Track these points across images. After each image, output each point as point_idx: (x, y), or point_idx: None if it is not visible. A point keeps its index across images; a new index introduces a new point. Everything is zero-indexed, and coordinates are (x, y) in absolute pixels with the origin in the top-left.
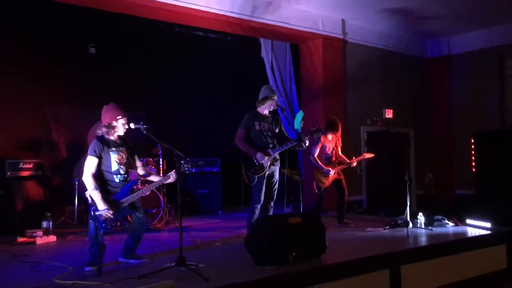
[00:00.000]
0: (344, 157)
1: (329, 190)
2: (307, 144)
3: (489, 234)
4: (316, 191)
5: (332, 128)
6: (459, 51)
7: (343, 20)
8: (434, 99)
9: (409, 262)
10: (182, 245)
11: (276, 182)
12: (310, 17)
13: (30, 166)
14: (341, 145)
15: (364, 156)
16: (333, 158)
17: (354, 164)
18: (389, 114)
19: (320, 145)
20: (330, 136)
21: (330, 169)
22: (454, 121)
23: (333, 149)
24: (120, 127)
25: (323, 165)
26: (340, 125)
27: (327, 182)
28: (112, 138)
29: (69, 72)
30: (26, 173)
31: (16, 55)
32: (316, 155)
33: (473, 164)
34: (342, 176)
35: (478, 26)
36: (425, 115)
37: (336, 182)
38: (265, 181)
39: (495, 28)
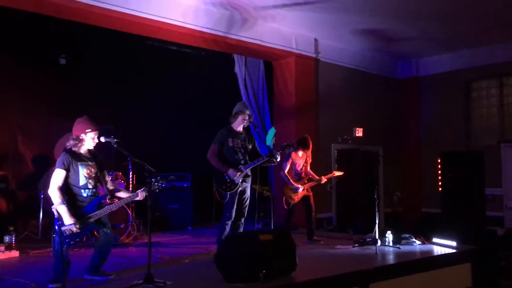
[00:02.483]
0: (313, 174)
1: (299, 207)
2: (278, 160)
3: (454, 252)
4: (285, 206)
5: (302, 145)
6: (428, 73)
7: (316, 39)
8: (404, 119)
9: (378, 280)
10: (150, 262)
11: (247, 199)
12: (283, 35)
13: None
14: (310, 162)
15: (334, 174)
16: (303, 175)
17: (324, 181)
18: (359, 132)
19: (290, 161)
20: (300, 153)
21: (299, 185)
22: (422, 140)
23: (303, 166)
24: (89, 140)
25: (292, 182)
26: (311, 142)
27: (296, 198)
28: (81, 151)
29: (38, 82)
30: None
31: None
32: (286, 171)
33: (440, 183)
34: (311, 193)
35: (446, 49)
36: (394, 134)
37: (305, 198)
38: (236, 197)
39: (462, 51)
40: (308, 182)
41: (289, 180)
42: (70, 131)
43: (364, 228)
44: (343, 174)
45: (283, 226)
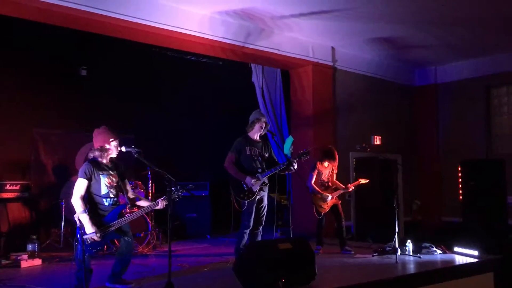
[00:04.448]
0: (339, 183)
1: (327, 217)
2: (295, 167)
3: (476, 262)
4: (317, 216)
5: (328, 157)
6: (447, 80)
7: (333, 48)
8: (422, 127)
9: None
10: (171, 270)
11: (265, 207)
12: (300, 44)
13: (16, 187)
14: (336, 171)
15: (360, 181)
16: (330, 184)
17: (351, 189)
18: (377, 140)
19: (316, 171)
20: (326, 163)
21: (328, 194)
22: (441, 148)
23: (329, 175)
24: (113, 149)
25: (320, 191)
26: (336, 153)
27: (326, 206)
28: (104, 161)
29: (59, 93)
30: (11, 195)
31: (5, 75)
32: (313, 181)
33: (460, 192)
34: (340, 201)
35: (464, 56)
36: (413, 142)
37: (334, 207)
38: (254, 206)
39: (481, 58)
40: (334, 191)
41: (316, 189)
42: (90, 140)
43: (383, 237)
44: (368, 181)
45: (316, 235)
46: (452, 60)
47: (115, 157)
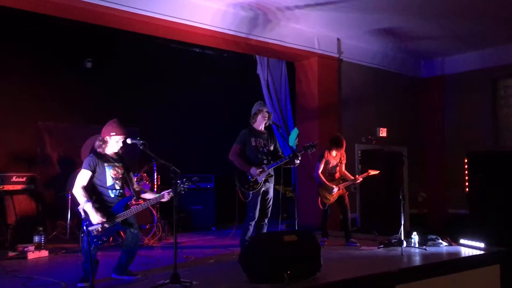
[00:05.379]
0: (348, 174)
1: (333, 208)
2: (298, 162)
3: (482, 254)
4: (321, 207)
5: (335, 144)
6: (453, 71)
7: (338, 39)
8: (428, 118)
9: (404, 281)
10: (176, 262)
11: (270, 199)
12: (306, 35)
13: (23, 179)
14: (345, 162)
15: (369, 173)
16: (337, 175)
17: (359, 180)
18: (383, 132)
19: (324, 161)
20: (334, 153)
21: (334, 186)
22: (447, 140)
23: (337, 165)
24: (112, 143)
25: (327, 182)
26: (344, 141)
27: (332, 198)
28: (107, 152)
29: (64, 86)
30: (18, 187)
31: (11, 68)
32: (320, 171)
33: (466, 184)
34: (346, 193)
35: (471, 47)
36: (419, 134)
37: (340, 198)
38: (259, 197)
39: (488, 49)
40: (342, 182)
41: (323, 180)
42: (95, 133)
43: (389, 229)
44: (378, 173)
45: (321, 227)
46: (459, 51)
47: (119, 150)
